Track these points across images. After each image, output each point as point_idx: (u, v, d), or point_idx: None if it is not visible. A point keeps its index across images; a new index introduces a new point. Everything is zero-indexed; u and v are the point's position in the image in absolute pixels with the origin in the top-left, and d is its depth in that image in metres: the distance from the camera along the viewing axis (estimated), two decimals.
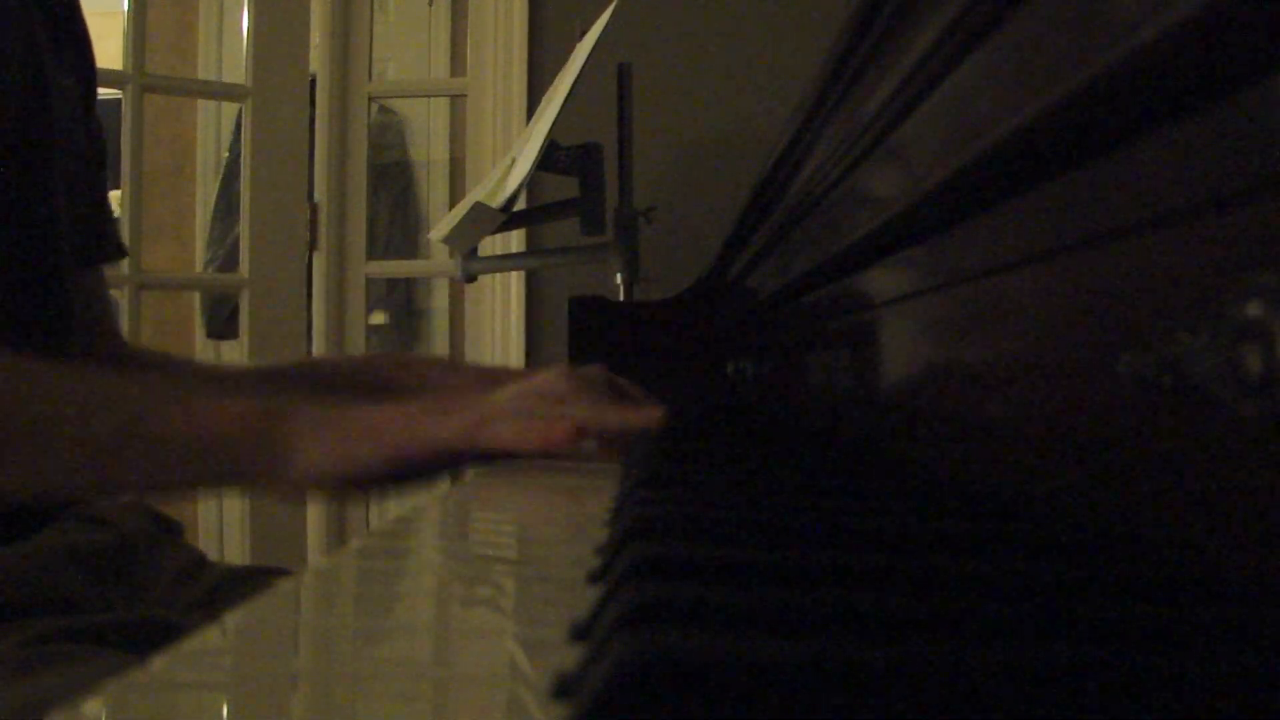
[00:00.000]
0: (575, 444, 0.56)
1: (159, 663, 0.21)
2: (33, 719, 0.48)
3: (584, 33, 1.53)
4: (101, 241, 0.86)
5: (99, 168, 0.87)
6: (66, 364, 0.69)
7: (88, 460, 0.55)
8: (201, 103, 2.91)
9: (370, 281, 2.26)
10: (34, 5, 0.73)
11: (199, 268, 2.80)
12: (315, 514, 2.16)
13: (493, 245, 1.84)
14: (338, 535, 2.17)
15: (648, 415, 0.65)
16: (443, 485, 0.59)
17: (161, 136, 2.81)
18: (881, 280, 0.63)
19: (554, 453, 0.57)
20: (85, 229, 0.81)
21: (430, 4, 2.81)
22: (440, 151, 2.87)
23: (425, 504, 0.47)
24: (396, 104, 2.89)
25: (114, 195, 1.91)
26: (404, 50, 2.85)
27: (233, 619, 0.25)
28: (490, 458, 0.58)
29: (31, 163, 0.71)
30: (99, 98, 0.87)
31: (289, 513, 2.12)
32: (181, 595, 0.74)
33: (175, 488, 0.61)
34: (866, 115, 0.52)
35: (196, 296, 2.77)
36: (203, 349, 2.74)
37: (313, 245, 2.18)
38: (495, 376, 0.84)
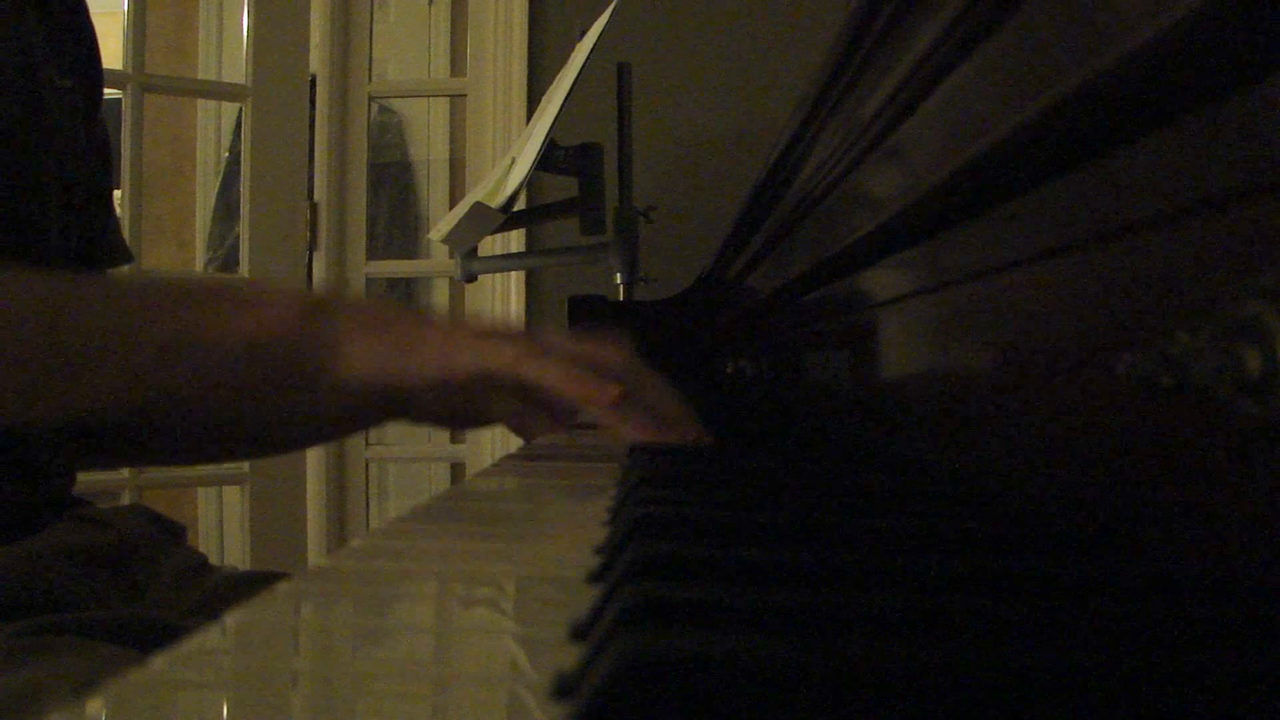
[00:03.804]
0: (614, 410, 0.55)
1: (159, 662, 0.21)
2: (24, 708, 0.48)
3: (584, 33, 1.53)
4: (105, 245, 0.84)
5: (104, 171, 0.84)
6: (104, 280, 0.67)
7: (133, 377, 0.54)
8: (201, 103, 2.91)
9: (370, 281, 2.26)
10: (31, 4, 0.73)
11: (199, 268, 2.80)
12: (315, 516, 2.16)
13: (493, 245, 1.84)
14: (338, 536, 2.17)
15: (694, 433, 0.63)
16: (441, 485, 0.59)
17: (161, 136, 2.81)
18: (881, 280, 0.63)
19: (588, 407, 0.56)
20: (87, 233, 0.79)
21: (430, 4, 2.81)
22: (440, 151, 2.87)
23: (425, 504, 0.47)
24: (396, 104, 2.89)
25: (114, 195, 1.91)
26: (404, 50, 2.85)
27: (233, 619, 0.25)
28: (524, 397, 0.58)
29: (21, 163, 0.70)
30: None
31: (289, 515, 2.12)
32: (182, 598, 0.74)
33: (223, 394, 0.58)
34: (866, 115, 0.52)
35: None
36: None
37: (313, 245, 2.18)
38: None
